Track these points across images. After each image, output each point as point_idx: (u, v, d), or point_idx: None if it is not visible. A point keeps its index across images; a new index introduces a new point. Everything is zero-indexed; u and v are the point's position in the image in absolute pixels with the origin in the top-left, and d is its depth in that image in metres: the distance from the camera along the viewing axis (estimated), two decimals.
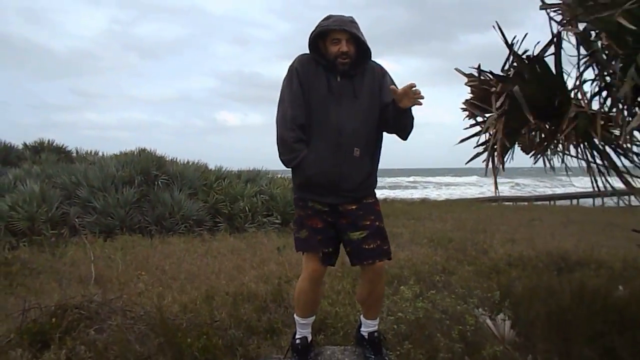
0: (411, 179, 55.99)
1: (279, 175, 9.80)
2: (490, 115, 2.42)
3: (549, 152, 2.63)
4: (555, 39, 2.36)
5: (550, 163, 2.59)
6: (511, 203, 18.79)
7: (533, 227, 8.72)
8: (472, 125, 2.68)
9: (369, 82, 2.41)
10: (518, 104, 2.24)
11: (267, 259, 5.07)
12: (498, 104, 2.34)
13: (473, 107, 2.65)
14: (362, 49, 2.39)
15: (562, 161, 2.64)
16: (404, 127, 2.41)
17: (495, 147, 2.39)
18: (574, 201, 19.22)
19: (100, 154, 10.51)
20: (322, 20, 2.40)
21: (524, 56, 2.44)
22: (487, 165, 2.47)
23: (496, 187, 2.61)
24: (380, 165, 2.54)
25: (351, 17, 2.39)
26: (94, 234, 6.69)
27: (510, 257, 4.93)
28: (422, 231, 7.53)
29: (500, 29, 2.50)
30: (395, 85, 2.40)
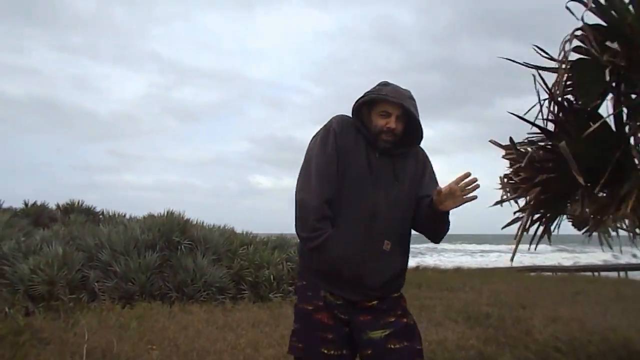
0: (450, 245, 54.03)
1: None
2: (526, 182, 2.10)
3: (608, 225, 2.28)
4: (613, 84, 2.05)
5: (605, 239, 2.24)
6: (551, 273, 17.81)
7: (578, 303, 8.04)
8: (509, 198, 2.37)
9: (411, 167, 2.07)
10: (564, 165, 1.93)
11: (288, 335, 4.68)
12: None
13: (511, 183, 2.35)
14: (411, 130, 2.05)
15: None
16: (436, 231, 2.04)
17: (531, 214, 2.07)
18: (622, 273, 18.04)
19: (128, 215, 10.52)
20: (377, 86, 2.06)
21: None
22: (519, 231, 2.15)
23: (513, 255, 2.28)
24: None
25: (409, 91, 2.05)
26: (113, 299, 6.46)
27: (558, 340, 4.41)
28: (456, 304, 7.02)
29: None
30: (436, 179, 2.10)
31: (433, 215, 1.92)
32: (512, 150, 2.37)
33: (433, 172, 2.12)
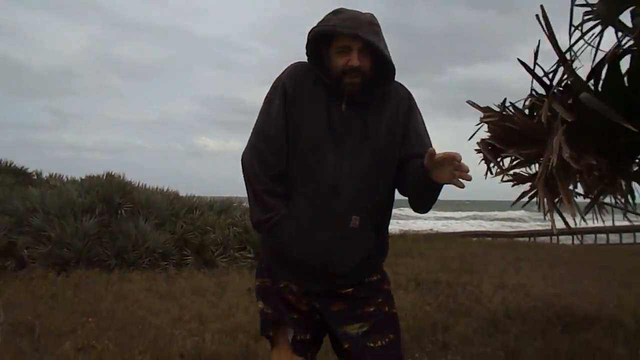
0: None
1: None
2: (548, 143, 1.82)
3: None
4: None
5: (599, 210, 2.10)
6: (491, 239, 18.50)
7: (520, 269, 8.29)
8: (501, 170, 2.17)
9: (389, 116, 1.63)
10: (577, 126, 1.70)
11: (235, 305, 4.48)
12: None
13: (490, 149, 2.15)
14: (382, 65, 1.60)
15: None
16: (424, 200, 1.63)
17: (553, 174, 1.79)
18: (554, 238, 18.99)
19: (65, 177, 9.80)
20: (329, 15, 1.60)
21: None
22: (541, 200, 1.92)
23: (553, 224, 2.05)
24: None
25: (370, 15, 1.60)
26: (45, 267, 5.98)
27: (508, 308, 4.45)
28: (405, 271, 7.03)
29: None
30: (425, 128, 1.68)
31: (423, 183, 1.51)
32: (490, 112, 2.17)
33: (421, 119, 1.70)
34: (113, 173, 8.22)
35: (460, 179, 1.41)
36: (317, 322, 1.65)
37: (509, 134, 2.06)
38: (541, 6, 1.87)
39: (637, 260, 9.68)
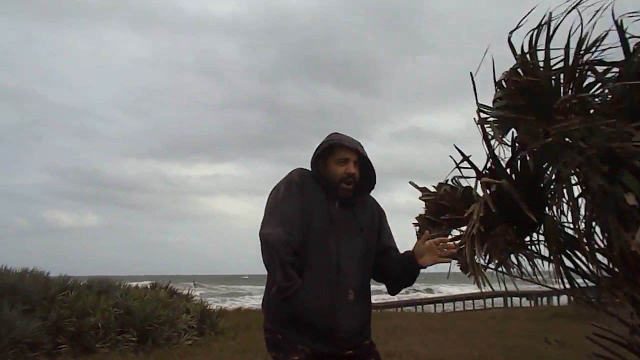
0: None
1: (135, 284, 8.81)
2: (470, 213, 2.26)
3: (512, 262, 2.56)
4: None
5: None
6: None
7: (400, 337, 8.80)
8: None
9: (369, 217, 2.14)
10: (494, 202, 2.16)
11: None
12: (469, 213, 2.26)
13: (427, 223, 2.59)
14: (365, 177, 2.14)
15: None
16: (403, 283, 2.14)
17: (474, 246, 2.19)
18: (419, 308, 20.33)
19: None
20: (329, 136, 2.14)
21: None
22: (470, 263, 2.26)
23: (481, 285, 2.39)
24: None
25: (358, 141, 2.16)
26: None
27: None
28: None
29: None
30: (389, 227, 2.22)
31: (410, 269, 2.05)
32: (427, 192, 2.62)
33: (388, 224, 2.22)
34: None
35: (445, 257, 2.02)
36: None
37: (440, 209, 2.52)
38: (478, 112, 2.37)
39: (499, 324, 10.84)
